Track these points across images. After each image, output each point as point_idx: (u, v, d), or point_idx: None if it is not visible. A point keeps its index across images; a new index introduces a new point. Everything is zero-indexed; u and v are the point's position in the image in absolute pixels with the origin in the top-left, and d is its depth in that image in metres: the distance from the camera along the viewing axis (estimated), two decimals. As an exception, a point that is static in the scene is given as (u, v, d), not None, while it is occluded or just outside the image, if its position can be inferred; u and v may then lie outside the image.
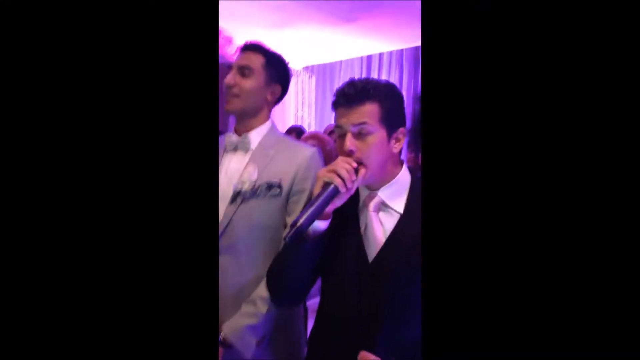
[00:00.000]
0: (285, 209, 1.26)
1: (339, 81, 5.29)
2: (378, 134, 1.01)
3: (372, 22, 4.00)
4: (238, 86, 1.27)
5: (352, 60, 5.14)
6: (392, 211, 1.05)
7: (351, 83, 1.03)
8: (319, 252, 1.05)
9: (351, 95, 1.01)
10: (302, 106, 5.46)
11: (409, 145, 2.39)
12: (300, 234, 0.94)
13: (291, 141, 1.36)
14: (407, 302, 1.00)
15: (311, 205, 0.96)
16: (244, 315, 1.20)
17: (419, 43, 4.47)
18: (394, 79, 4.83)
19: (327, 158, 3.04)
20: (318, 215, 0.96)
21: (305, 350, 1.21)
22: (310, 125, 5.44)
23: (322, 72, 5.44)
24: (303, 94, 5.44)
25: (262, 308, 1.19)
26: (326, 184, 0.97)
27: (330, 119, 5.29)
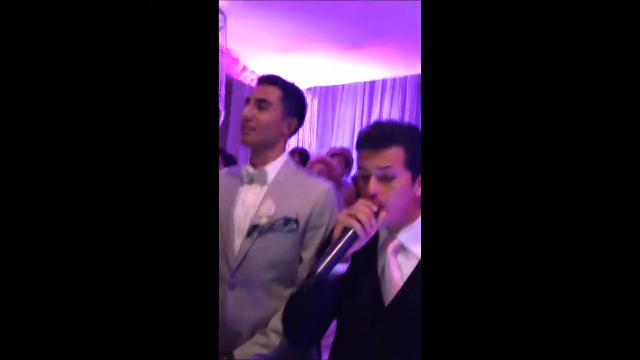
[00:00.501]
0: (301, 244, 1.27)
1: (341, 104, 5.34)
2: (402, 178, 1.01)
3: (377, 49, 4.06)
4: (255, 119, 1.29)
5: (355, 84, 5.20)
6: (411, 255, 1.05)
7: (377, 125, 1.04)
8: (336, 295, 1.05)
9: (377, 137, 1.02)
10: (303, 127, 5.49)
11: None
12: (319, 282, 0.93)
13: (307, 175, 1.37)
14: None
15: (330, 251, 0.95)
16: (255, 344, 1.20)
17: (418, 71, 4.52)
18: (396, 106, 4.88)
19: (335, 182, 3.05)
20: (337, 261, 0.96)
21: None
22: (311, 146, 5.46)
23: (324, 94, 5.49)
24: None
25: (275, 340, 1.19)
26: (345, 229, 0.97)
27: (330, 140, 5.32)
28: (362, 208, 0.98)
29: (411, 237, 1.05)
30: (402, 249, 1.06)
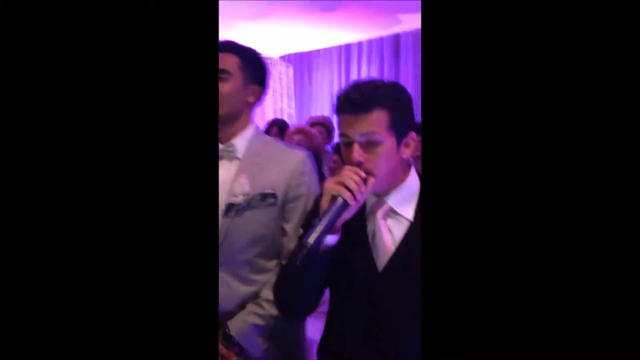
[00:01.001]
0: (282, 216, 1.23)
1: (318, 70, 5.21)
2: (387, 143, 0.95)
3: (350, 11, 3.93)
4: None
5: (330, 49, 5.06)
6: (401, 218, 1.01)
7: (356, 86, 0.96)
8: (328, 266, 1.01)
9: (357, 101, 0.94)
10: (281, 97, 5.37)
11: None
12: (311, 254, 0.89)
13: (279, 144, 1.31)
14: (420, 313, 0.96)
15: (320, 222, 0.90)
16: (250, 314, 1.18)
17: (398, 30, 4.42)
18: (374, 68, 4.78)
19: (315, 152, 2.99)
20: (328, 232, 0.92)
21: (305, 352, 1.23)
22: (292, 116, 5.36)
23: (300, 61, 5.35)
24: (281, 85, 5.35)
25: (270, 310, 1.17)
26: (334, 198, 0.92)
27: (309, 109, 5.21)
28: (350, 175, 0.92)
29: (400, 200, 1.01)
30: (391, 212, 1.02)
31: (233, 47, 1.25)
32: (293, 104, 5.42)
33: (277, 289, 1.09)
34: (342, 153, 1.00)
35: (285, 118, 4.99)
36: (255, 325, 1.17)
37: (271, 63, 5.21)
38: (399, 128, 0.97)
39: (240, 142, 1.25)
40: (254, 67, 1.27)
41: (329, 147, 3.66)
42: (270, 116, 5.00)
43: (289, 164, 1.23)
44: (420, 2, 0.70)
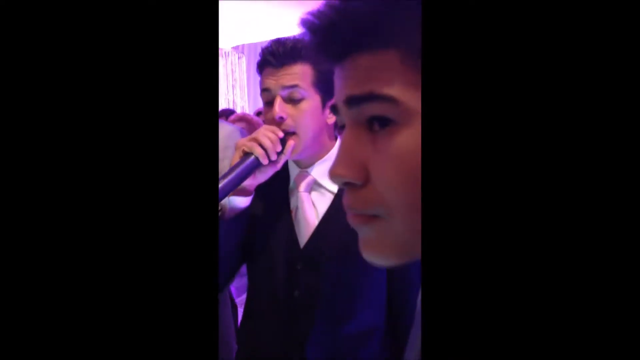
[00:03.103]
0: None
1: (271, 61, 5.11)
2: (311, 100, 0.89)
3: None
4: None
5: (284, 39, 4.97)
6: (325, 191, 0.94)
7: (279, 41, 0.90)
8: (240, 233, 0.93)
9: (280, 54, 0.88)
10: (232, 89, 5.24)
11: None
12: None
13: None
14: (343, 292, 0.90)
15: (225, 176, 0.82)
16: None
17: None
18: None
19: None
20: (233, 188, 0.83)
21: (235, 347, 1.12)
22: (244, 108, 5.24)
23: (252, 52, 5.24)
24: (234, 76, 5.22)
25: None
26: (246, 155, 0.85)
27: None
28: (265, 132, 0.86)
29: (324, 172, 0.94)
30: (315, 185, 0.95)
31: None
32: (246, 96, 5.30)
33: None
34: (264, 113, 0.93)
35: (238, 110, 4.88)
36: None
37: (223, 54, 5.08)
38: (325, 88, 0.90)
39: None
40: None
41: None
42: (222, 107, 4.87)
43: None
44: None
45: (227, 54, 5.13)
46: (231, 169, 0.83)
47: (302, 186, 0.94)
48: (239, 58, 5.22)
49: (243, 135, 1.22)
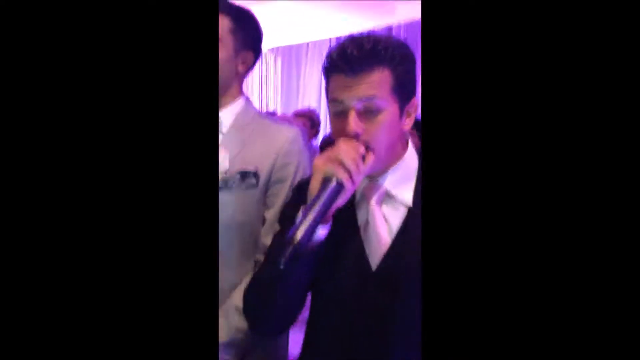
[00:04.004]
0: (263, 202, 1.04)
1: (306, 64, 5.04)
2: (390, 110, 0.77)
3: (341, 2, 3.78)
4: None
5: (320, 42, 4.90)
6: (398, 204, 0.83)
7: (353, 39, 0.78)
8: (315, 267, 0.82)
9: (355, 57, 0.76)
10: (267, 91, 5.20)
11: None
12: (297, 253, 0.70)
13: (270, 121, 1.13)
14: (418, 318, 0.80)
15: (309, 210, 0.71)
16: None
17: (391, 22, 4.28)
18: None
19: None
20: (319, 223, 0.73)
21: None
22: (276, 110, 5.19)
23: (288, 54, 5.18)
24: (268, 78, 5.18)
25: (239, 322, 0.97)
26: (326, 180, 0.73)
27: (296, 104, 5.04)
28: (347, 150, 0.74)
29: (397, 181, 0.83)
30: (387, 197, 0.83)
31: (225, 7, 1.06)
32: (279, 98, 5.25)
33: (249, 295, 0.88)
34: (333, 125, 0.81)
35: (270, 111, 4.83)
36: (223, 344, 0.98)
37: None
38: (403, 93, 0.79)
39: (227, 115, 1.07)
40: (248, 30, 1.10)
41: (313, 142, 3.48)
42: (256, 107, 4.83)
43: (277, 141, 1.04)
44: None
45: (263, 56, 5.10)
46: (314, 200, 0.72)
47: (374, 198, 0.82)
48: (274, 60, 5.17)
49: (304, 138, 1.12)
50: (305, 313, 0.90)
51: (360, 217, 0.84)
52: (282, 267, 0.70)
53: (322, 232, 0.77)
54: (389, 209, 0.83)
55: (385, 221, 0.82)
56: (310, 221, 0.70)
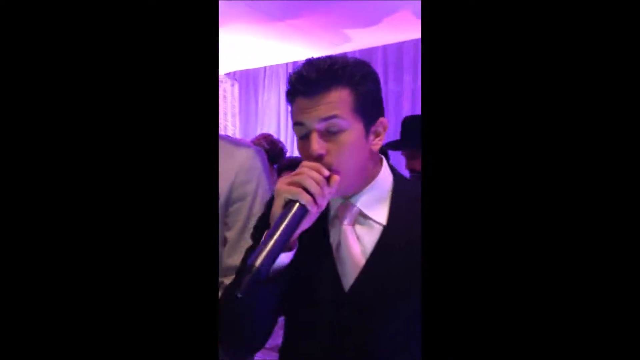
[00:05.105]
0: (224, 222, 1.01)
1: (264, 89, 5.04)
2: (353, 130, 0.78)
3: (299, 26, 3.82)
4: None
5: (277, 66, 4.92)
6: (372, 222, 0.82)
7: (310, 63, 0.79)
8: (280, 291, 0.79)
9: (312, 79, 0.76)
10: (224, 115, 5.15)
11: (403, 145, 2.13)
12: (258, 281, 0.68)
13: (227, 141, 1.12)
14: (396, 339, 0.77)
15: (270, 237, 0.69)
16: None
17: (349, 47, 4.35)
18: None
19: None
20: (280, 250, 0.70)
21: None
22: (235, 135, 5.13)
23: (245, 78, 5.17)
24: (226, 102, 5.13)
25: None
26: (289, 203, 0.72)
27: (255, 129, 5.01)
28: (309, 172, 0.73)
29: (370, 201, 0.83)
30: (360, 217, 0.83)
31: None
32: (237, 123, 5.20)
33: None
34: (299, 149, 0.81)
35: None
36: None
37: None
38: (366, 112, 0.79)
39: None
40: None
41: (274, 166, 3.45)
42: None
43: (235, 160, 1.04)
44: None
45: (220, 81, 5.06)
46: (276, 226, 0.70)
47: (346, 218, 0.82)
48: (232, 85, 5.14)
49: (262, 155, 1.10)
50: (272, 339, 0.87)
51: (333, 238, 0.83)
52: (239, 295, 0.68)
53: (285, 257, 0.75)
54: (363, 229, 0.82)
55: (357, 241, 0.81)
56: (270, 247, 0.68)
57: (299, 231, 0.75)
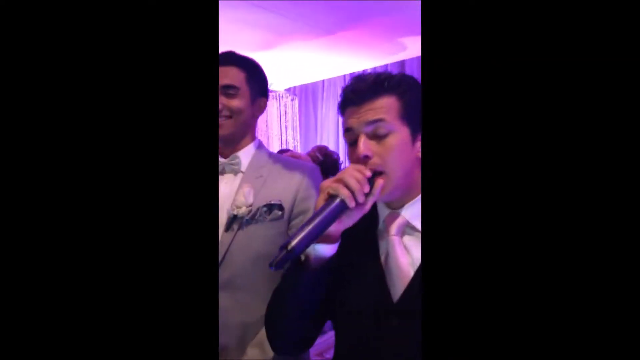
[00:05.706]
0: (286, 234, 1.09)
1: (322, 102, 5.16)
2: (399, 134, 0.82)
3: (353, 38, 3.90)
4: (226, 108, 1.15)
5: (335, 79, 5.02)
6: (419, 234, 0.84)
7: (359, 77, 0.86)
8: (324, 287, 0.84)
9: (361, 89, 0.83)
10: (285, 129, 5.31)
11: None
12: (289, 259, 0.73)
13: (285, 158, 1.24)
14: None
15: (308, 223, 0.75)
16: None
17: (403, 56, 4.38)
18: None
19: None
20: (317, 236, 0.76)
21: None
22: (296, 148, 5.27)
23: (304, 93, 5.31)
24: (286, 117, 5.29)
25: (270, 351, 1.00)
26: (331, 198, 0.78)
27: (315, 141, 5.13)
28: (351, 172, 0.79)
29: (418, 213, 0.85)
30: (408, 228, 0.85)
31: (237, 60, 1.19)
32: (298, 136, 5.34)
33: (268, 311, 0.91)
34: (350, 156, 0.86)
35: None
36: None
37: (276, 96, 5.18)
38: (412, 120, 0.83)
39: (245, 155, 1.18)
40: (258, 78, 1.22)
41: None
42: (276, 147, 4.93)
43: (296, 176, 1.13)
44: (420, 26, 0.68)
45: (280, 96, 5.23)
46: (315, 214, 0.76)
47: (393, 229, 0.85)
48: (291, 100, 5.30)
49: (319, 173, 1.19)
50: (328, 353, 0.92)
51: (382, 248, 0.87)
52: (272, 268, 0.72)
53: (326, 249, 0.81)
54: (411, 240, 0.85)
55: (406, 252, 0.84)
56: (306, 232, 0.74)
57: (341, 226, 0.80)
